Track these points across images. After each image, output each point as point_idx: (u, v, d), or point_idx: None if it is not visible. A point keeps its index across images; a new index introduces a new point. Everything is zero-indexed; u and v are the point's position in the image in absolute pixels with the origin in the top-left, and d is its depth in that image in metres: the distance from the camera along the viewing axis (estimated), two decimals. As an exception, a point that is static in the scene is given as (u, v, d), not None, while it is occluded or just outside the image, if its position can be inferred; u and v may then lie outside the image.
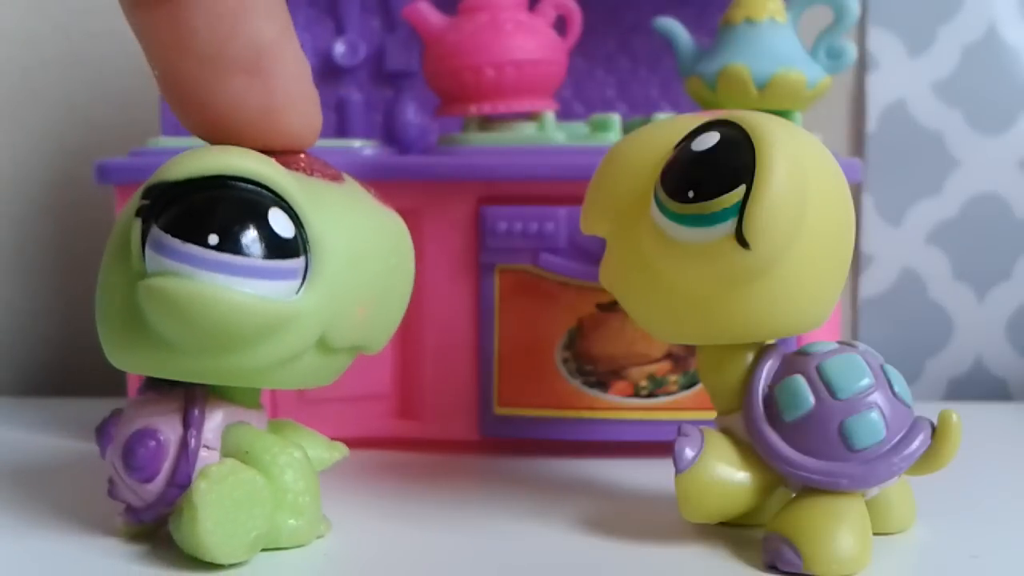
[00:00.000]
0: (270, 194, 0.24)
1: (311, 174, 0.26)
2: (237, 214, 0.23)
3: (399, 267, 0.27)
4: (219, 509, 0.25)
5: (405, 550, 0.27)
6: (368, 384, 0.36)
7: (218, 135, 0.25)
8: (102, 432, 0.27)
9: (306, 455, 0.27)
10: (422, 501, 0.31)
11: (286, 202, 0.24)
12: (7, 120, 0.50)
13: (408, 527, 0.29)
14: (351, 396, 0.36)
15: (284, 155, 0.25)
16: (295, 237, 0.24)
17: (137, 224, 0.24)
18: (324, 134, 0.42)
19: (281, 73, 0.24)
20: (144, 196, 0.24)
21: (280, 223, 0.24)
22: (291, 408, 0.35)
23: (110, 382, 0.44)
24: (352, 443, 0.30)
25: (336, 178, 0.26)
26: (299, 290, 0.24)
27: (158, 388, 0.27)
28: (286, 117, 0.25)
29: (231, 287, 0.23)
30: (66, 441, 0.38)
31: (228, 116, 0.24)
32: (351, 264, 0.25)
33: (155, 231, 0.23)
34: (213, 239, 0.23)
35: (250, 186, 0.24)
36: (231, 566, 0.25)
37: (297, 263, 0.24)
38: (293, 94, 0.25)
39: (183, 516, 0.25)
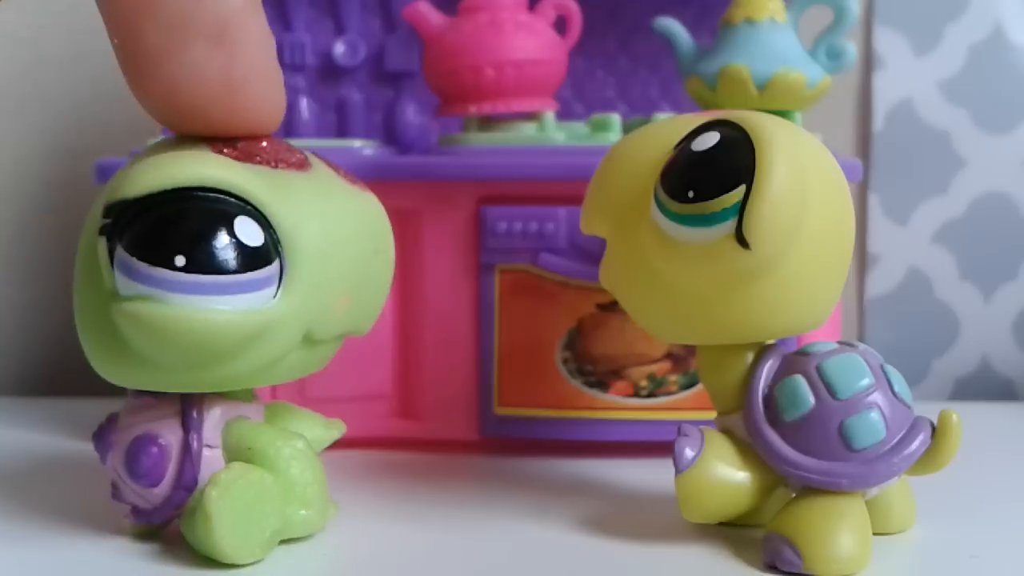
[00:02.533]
0: (235, 200, 0.23)
1: (275, 166, 0.25)
2: (201, 230, 0.23)
3: (378, 249, 0.26)
4: (232, 514, 0.25)
5: (405, 550, 0.27)
6: (368, 384, 0.36)
7: (177, 113, 0.24)
8: (100, 439, 0.27)
9: (308, 444, 0.27)
10: (422, 501, 0.31)
11: (252, 206, 0.23)
12: (9, 118, 0.50)
13: (408, 527, 0.29)
14: (351, 396, 0.36)
15: (246, 143, 0.25)
16: (265, 243, 0.23)
17: (102, 243, 0.23)
18: (324, 134, 0.43)
19: (244, 45, 0.24)
20: (105, 214, 0.23)
21: (247, 232, 0.23)
22: (291, 407, 0.35)
23: (109, 382, 0.44)
24: (352, 443, 0.30)
25: (302, 165, 0.26)
26: (276, 295, 0.24)
27: (153, 391, 0.26)
28: (247, 91, 0.24)
29: (204, 307, 0.23)
30: (66, 441, 0.38)
31: (187, 88, 0.24)
32: (327, 257, 0.24)
33: (121, 252, 0.23)
34: (180, 260, 0.22)
35: (212, 195, 0.23)
36: (246, 565, 0.25)
37: (270, 270, 0.23)
38: (256, 67, 0.24)
39: (197, 523, 0.25)
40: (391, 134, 0.43)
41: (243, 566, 0.25)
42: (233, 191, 0.23)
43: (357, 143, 0.37)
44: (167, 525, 0.27)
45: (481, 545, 0.27)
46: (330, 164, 0.27)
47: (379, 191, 0.28)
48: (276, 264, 0.24)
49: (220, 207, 0.23)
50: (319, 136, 0.43)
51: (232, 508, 0.25)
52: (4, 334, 0.51)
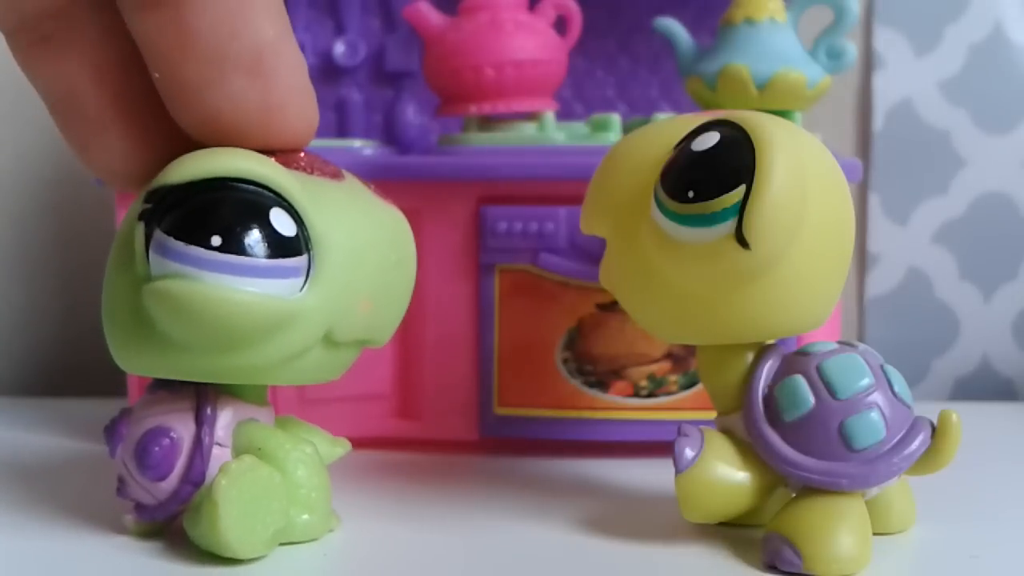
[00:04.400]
0: (271, 194, 0.24)
1: (311, 172, 0.26)
2: (239, 215, 0.24)
3: (400, 261, 0.27)
4: (239, 505, 0.25)
5: (405, 550, 0.27)
6: (368, 384, 0.36)
7: (218, 136, 0.25)
8: (112, 431, 0.27)
9: (316, 451, 0.27)
10: (422, 501, 0.31)
11: (287, 201, 0.24)
12: (8, 117, 0.50)
13: (408, 527, 0.29)
14: (351, 396, 0.36)
15: (284, 154, 0.25)
16: (297, 235, 0.24)
17: (140, 228, 0.24)
18: (324, 134, 0.43)
19: (280, 71, 0.24)
20: (146, 200, 0.24)
21: (282, 222, 0.24)
22: (292, 408, 0.35)
23: (110, 382, 0.44)
24: (352, 443, 0.30)
25: (336, 175, 0.27)
26: (303, 287, 0.24)
27: (168, 387, 0.27)
28: (285, 115, 0.25)
29: (235, 287, 0.23)
30: (66, 441, 0.38)
31: (228, 116, 0.24)
32: (353, 260, 0.25)
33: (158, 234, 0.24)
34: (216, 240, 0.23)
35: (251, 187, 0.24)
36: (246, 561, 0.25)
37: (300, 261, 0.24)
38: (292, 92, 0.25)
39: (203, 513, 0.25)
40: (391, 134, 0.43)
41: (243, 562, 0.25)
42: (270, 186, 0.24)
43: (357, 143, 0.37)
44: (170, 523, 0.27)
45: (481, 545, 0.27)
46: (362, 180, 0.28)
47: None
48: (305, 257, 0.24)
49: (258, 198, 0.24)
50: (319, 136, 0.42)
51: (240, 499, 0.25)
52: (4, 334, 0.51)
